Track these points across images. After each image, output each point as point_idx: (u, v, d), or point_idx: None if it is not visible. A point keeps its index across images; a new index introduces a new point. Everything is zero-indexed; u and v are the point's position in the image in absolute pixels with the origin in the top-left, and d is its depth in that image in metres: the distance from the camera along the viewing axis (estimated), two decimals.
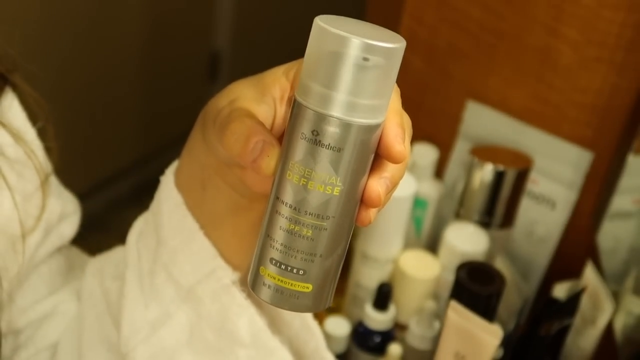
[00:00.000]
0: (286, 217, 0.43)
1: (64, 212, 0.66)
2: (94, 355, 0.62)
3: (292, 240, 0.43)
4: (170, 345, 0.58)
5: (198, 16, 2.28)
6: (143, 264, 0.58)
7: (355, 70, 0.41)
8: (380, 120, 0.43)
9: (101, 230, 0.66)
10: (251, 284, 0.46)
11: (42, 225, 0.63)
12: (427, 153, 1.02)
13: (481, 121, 1.00)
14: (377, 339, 0.91)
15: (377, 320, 0.91)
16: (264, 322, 0.58)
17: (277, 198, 0.43)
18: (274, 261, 0.44)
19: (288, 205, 0.43)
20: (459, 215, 0.98)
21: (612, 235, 0.94)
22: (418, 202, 1.00)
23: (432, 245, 1.03)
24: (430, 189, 1.00)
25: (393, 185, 0.44)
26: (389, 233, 0.94)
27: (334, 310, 1.00)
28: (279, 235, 0.44)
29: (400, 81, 0.47)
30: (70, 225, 0.67)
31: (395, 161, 0.43)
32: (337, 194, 0.43)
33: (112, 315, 0.62)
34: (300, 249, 0.43)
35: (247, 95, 0.48)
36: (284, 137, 0.44)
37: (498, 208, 0.96)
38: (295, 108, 0.43)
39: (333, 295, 0.47)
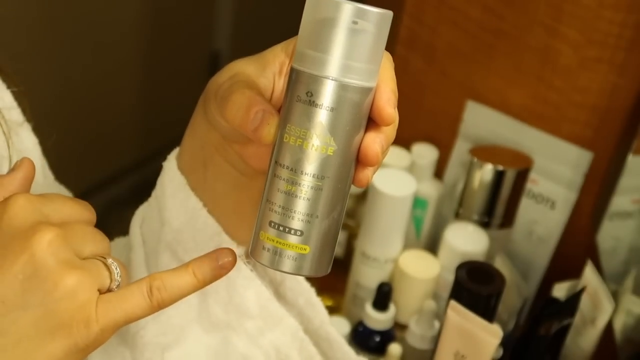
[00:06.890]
0: (284, 179, 0.45)
1: None
2: None
3: (289, 201, 0.45)
4: (179, 322, 0.59)
5: (198, 16, 2.28)
6: (147, 246, 0.60)
7: (347, 33, 0.43)
8: (371, 84, 0.44)
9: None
10: (251, 250, 0.47)
11: None
12: (427, 153, 1.02)
13: (481, 121, 1.00)
14: (377, 339, 0.91)
15: (377, 320, 0.91)
16: (270, 292, 0.60)
17: (275, 162, 0.45)
18: (272, 223, 0.45)
19: (285, 167, 0.45)
20: (458, 215, 0.98)
21: (611, 235, 0.94)
22: (418, 202, 1.00)
23: (432, 245, 1.03)
24: (430, 189, 1.01)
25: (387, 146, 0.46)
26: (389, 233, 0.94)
27: (334, 310, 1.00)
28: (277, 198, 0.45)
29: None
30: None
31: (385, 123, 0.45)
32: (332, 153, 0.44)
33: None
34: (297, 209, 0.45)
35: (247, 70, 0.50)
36: (282, 105, 0.45)
37: (498, 208, 0.96)
38: (291, 75, 0.45)
39: (332, 261, 0.47)
